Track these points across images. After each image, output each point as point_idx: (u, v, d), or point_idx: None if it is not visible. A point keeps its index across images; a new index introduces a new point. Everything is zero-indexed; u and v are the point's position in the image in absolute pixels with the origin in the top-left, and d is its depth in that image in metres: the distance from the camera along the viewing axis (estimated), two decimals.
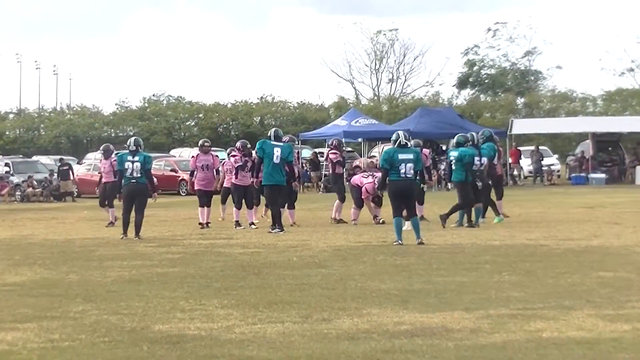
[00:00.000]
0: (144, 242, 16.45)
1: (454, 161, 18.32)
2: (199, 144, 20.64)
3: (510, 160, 39.88)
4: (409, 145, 15.53)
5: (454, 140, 18.83)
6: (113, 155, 21.83)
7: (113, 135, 67.66)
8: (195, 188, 20.42)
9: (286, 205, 19.71)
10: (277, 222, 17.88)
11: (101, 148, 22.31)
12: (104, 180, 21.99)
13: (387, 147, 19.11)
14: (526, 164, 43.11)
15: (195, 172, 20.16)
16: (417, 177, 17.80)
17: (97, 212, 26.67)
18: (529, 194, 32.23)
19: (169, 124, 66.83)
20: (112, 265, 13.00)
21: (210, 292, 10.19)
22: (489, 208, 19.24)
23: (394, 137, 15.37)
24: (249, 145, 20.00)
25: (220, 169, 20.42)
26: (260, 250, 14.61)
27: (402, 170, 14.99)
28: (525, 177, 43.29)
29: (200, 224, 19.91)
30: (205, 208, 19.99)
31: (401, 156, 15.04)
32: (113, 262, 13.39)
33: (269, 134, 18.49)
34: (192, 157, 20.76)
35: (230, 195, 20.88)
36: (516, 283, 10.52)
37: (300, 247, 14.92)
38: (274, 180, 17.83)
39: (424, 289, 10.17)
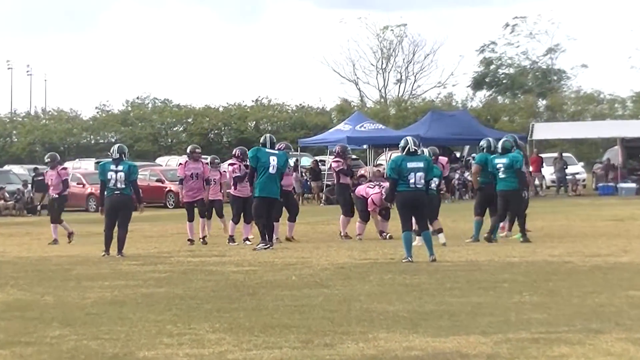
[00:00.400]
0: (128, 260, 16.45)
1: (502, 168, 18.26)
2: (188, 151, 20.60)
3: (531, 169, 39.88)
4: (419, 152, 15.54)
5: (500, 145, 18.66)
6: (60, 165, 21.82)
7: (93, 142, 67.87)
8: (183, 200, 20.37)
9: (276, 218, 19.73)
10: (264, 236, 17.85)
11: (46, 157, 22.17)
12: (51, 193, 21.72)
13: (395, 154, 19.17)
14: (548, 172, 43.14)
15: (184, 182, 20.12)
16: (437, 188, 17.89)
17: (75, 227, 26.67)
18: (552, 205, 32.23)
19: (155, 129, 66.92)
20: (92, 285, 12.99)
21: (200, 315, 10.19)
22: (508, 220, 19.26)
23: (402, 143, 15.38)
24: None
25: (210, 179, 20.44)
26: (256, 269, 14.61)
27: (412, 180, 14.99)
28: (548, 187, 43.32)
29: (189, 240, 19.91)
30: (202, 220, 19.96)
31: (410, 164, 15.04)
32: (93, 282, 13.39)
33: (262, 141, 18.46)
34: (180, 164, 20.70)
35: (214, 210, 20.97)
36: (538, 304, 10.52)
37: (300, 265, 14.92)
38: (268, 192, 17.79)
39: (436, 310, 10.17)
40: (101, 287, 12.80)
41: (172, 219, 29.25)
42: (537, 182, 41.20)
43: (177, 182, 21.50)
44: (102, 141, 67.03)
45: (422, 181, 15.06)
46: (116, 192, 17.18)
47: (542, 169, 41.82)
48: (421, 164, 15.11)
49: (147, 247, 19.29)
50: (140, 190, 18.00)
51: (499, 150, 18.64)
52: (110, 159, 17.56)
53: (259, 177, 17.84)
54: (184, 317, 10.05)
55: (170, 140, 67.17)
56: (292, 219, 20.09)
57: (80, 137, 67.73)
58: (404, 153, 15.20)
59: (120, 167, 17.25)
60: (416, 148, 15.31)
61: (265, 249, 17.59)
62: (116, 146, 17.77)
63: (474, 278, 12.79)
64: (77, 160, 52.06)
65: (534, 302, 10.63)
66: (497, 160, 18.45)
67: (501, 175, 18.29)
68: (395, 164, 15.14)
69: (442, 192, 19.72)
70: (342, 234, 20.36)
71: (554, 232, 20.57)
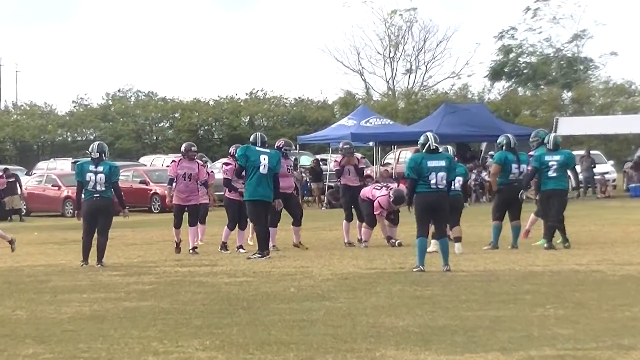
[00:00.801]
0: (108, 270, 16.47)
1: (555, 166, 18.40)
2: (183, 149, 20.25)
3: None
4: (440, 149, 15.48)
5: (551, 141, 18.77)
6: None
7: (70, 139, 67.88)
8: (173, 202, 20.17)
9: (272, 223, 19.75)
10: (262, 245, 17.84)
11: None
12: None
13: (405, 152, 19.20)
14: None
15: (175, 182, 19.92)
16: (462, 188, 17.98)
17: (51, 233, 26.71)
18: (579, 208, 32.21)
19: (138, 125, 67.00)
20: (69, 298, 13.01)
21: (189, 331, 10.20)
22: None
23: (422, 139, 15.35)
24: None
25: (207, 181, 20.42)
26: (251, 280, 14.63)
27: (433, 181, 14.98)
28: (574, 189, 43.29)
29: (176, 243, 19.80)
30: (192, 229, 19.88)
31: (431, 163, 15.04)
32: (70, 294, 13.41)
33: (252, 140, 18.37)
34: (173, 161, 20.42)
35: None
36: (563, 318, 10.53)
37: (300, 275, 14.94)
38: (259, 194, 17.78)
39: (451, 325, 10.18)
40: (79, 300, 12.80)
41: (158, 225, 29.27)
42: None
43: (166, 183, 20.98)
44: (79, 139, 67.08)
45: (444, 182, 15.07)
46: (95, 195, 17.19)
47: None
48: (443, 163, 15.10)
49: (129, 256, 19.30)
50: (123, 194, 18.02)
51: (550, 146, 18.70)
52: (89, 159, 17.56)
53: (249, 178, 17.84)
54: (171, 334, 10.05)
55: (155, 138, 67.27)
56: (297, 222, 20.02)
57: (55, 134, 67.77)
58: (424, 150, 15.18)
59: (100, 168, 17.26)
60: (437, 145, 15.28)
61: (260, 258, 17.59)
62: (95, 144, 17.76)
63: (493, 289, 12.80)
64: (52, 159, 52.09)
65: (559, 316, 10.64)
66: (548, 157, 18.51)
67: (551, 173, 18.43)
68: (414, 163, 15.09)
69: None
70: (345, 241, 20.37)
71: (581, 238, 20.57)
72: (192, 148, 20.16)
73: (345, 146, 20.96)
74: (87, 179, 17.21)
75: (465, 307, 11.34)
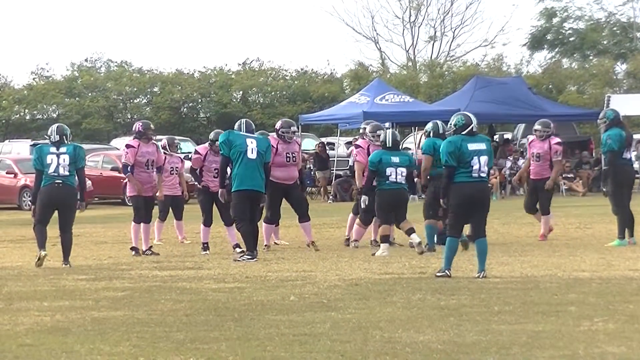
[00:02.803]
0: (74, 273, 16.50)
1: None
2: (140, 128, 19.91)
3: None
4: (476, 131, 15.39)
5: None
6: None
7: (28, 117, 67.83)
8: (133, 194, 19.91)
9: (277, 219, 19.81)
10: (248, 244, 17.89)
11: None
12: None
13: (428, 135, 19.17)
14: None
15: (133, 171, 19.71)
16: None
17: (5, 230, 26.74)
18: (635, 203, 32.16)
19: (110, 101, 66.95)
20: (26, 307, 13.04)
21: (169, 346, 10.23)
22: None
23: (456, 120, 15.08)
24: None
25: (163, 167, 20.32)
26: (243, 286, 14.66)
27: (476, 166, 14.85)
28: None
29: (133, 248, 19.71)
30: (144, 226, 19.81)
31: (472, 146, 14.93)
32: (28, 302, 13.44)
33: (236, 127, 18.51)
34: (130, 146, 19.78)
35: (171, 208, 21.14)
36: (614, 333, 10.54)
37: (301, 281, 14.97)
38: (248, 184, 17.86)
39: (481, 341, 10.20)
40: (39, 309, 12.84)
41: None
42: None
43: (123, 170, 20.19)
44: (39, 117, 67.02)
45: (486, 168, 14.98)
46: (57, 180, 17.21)
47: None
48: (483, 146, 14.98)
49: (99, 257, 19.34)
50: (90, 184, 18.00)
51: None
52: (49, 142, 17.59)
53: (236, 167, 17.90)
54: (147, 350, 10.08)
55: (129, 116, 67.16)
56: (304, 217, 19.85)
57: (10, 112, 67.70)
58: (465, 133, 14.96)
59: (63, 149, 17.30)
60: (476, 127, 15.15)
61: (250, 259, 17.64)
62: (55, 126, 17.77)
63: (531, 299, 12.82)
64: (7, 141, 52.06)
65: (608, 331, 10.66)
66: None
67: (626, 155, 19.27)
68: (453, 147, 14.84)
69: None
70: (351, 240, 20.32)
71: (636, 238, 20.56)
72: (152, 126, 20.10)
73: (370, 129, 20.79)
74: (49, 161, 17.25)
75: (498, 320, 11.37)
